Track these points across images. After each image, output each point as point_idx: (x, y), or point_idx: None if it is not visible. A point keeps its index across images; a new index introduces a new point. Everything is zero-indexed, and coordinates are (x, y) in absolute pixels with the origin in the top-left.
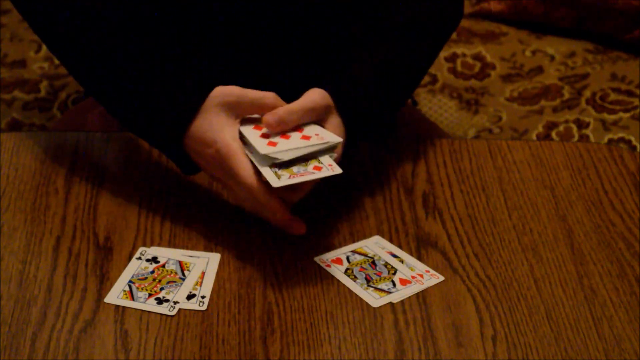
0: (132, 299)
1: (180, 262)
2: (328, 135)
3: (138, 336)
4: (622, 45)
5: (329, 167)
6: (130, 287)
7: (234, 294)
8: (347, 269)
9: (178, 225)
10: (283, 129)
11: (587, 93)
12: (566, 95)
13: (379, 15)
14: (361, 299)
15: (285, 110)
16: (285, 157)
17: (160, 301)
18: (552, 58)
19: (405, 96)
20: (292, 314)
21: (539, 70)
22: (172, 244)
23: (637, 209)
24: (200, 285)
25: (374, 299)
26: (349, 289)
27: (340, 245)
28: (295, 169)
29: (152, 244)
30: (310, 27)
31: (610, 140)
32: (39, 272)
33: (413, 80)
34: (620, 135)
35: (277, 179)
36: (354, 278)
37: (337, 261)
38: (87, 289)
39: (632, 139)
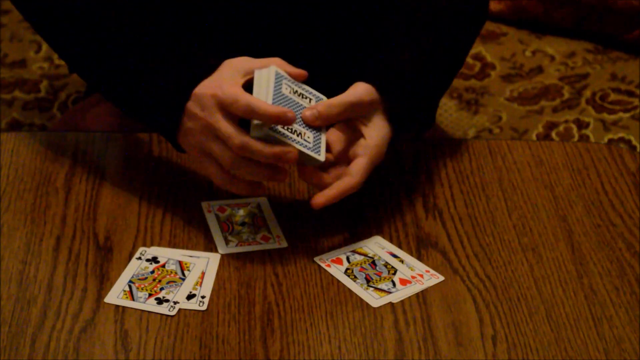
0: (132, 299)
1: (180, 262)
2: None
3: (138, 336)
4: (622, 45)
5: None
6: (130, 287)
7: (234, 294)
8: (347, 269)
9: (178, 225)
10: (323, 124)
11: (587, 93)
12: (566, 95)
13: (411, 3)
14: (361, 299)
15: (325, 104)
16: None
17: (160, 301)
18: (552, 58)
19: (446, 86)
20: (292, 314)
21: (539, 70)
22: (172, 244)
23: (637, 209)
24: (200, 285)
25: (374, 299)
26: (349, 289)
27: (340, 245)
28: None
29: (152, 244)
30: (322, 12)
31: (610, 140)
32: (39, 272)
33: (454, 68)
34: (620, 135)
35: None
36: (354, 278)
37: (337, 261)
38: (87, 289)
39: (632, 139)
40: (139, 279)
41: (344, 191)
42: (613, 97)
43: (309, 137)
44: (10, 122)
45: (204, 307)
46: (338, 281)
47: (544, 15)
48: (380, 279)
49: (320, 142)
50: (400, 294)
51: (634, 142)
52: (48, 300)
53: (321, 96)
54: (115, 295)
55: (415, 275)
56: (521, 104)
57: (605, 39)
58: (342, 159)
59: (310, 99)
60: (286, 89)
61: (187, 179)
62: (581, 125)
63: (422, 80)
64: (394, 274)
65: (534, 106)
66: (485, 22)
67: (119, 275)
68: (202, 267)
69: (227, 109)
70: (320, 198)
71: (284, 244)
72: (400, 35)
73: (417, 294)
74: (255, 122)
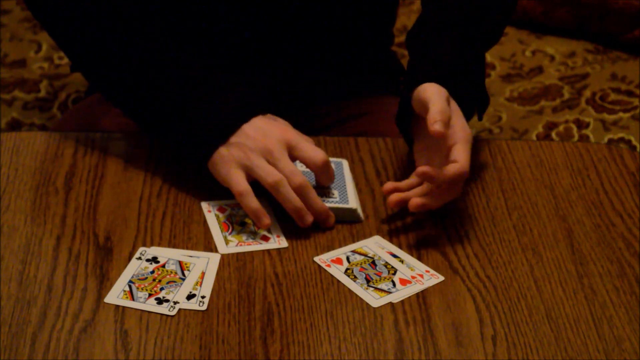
0: (132, 299)
1: (180, 262)
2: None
3: (138, 336)
4: (622, 45)
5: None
6: (130, 287)
7: (234, 294)
8: (347, 269)
9: (178, 225)
10: (447, 127)
11: (587, 93)
12: (566, 95)
13: None
14: (361, 299)
15: (438, 110)
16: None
17: (160, 301)
18: (552, 58)
19: (483, 65)
20: (292, 314)
21: (539, 70)
22: (172, 244)
23: (637, 209)
24: (200, 285)
25: (374, 299)
26: (349, 289)
27: (340, 245)
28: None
29: (152, 244)
30: (319, 14)
31: (610, 140)
32: (39, 272)
33: (491, 43)
34: (620, 135)
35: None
36: (354, 278)
37: (337, 261)
38: (87, 289)
39: (632, 139)
40: (139, 279)
41: (453, 176)
42: (613, 97)
43: (334, 194)
44: (10, 122)
45: (204, 307)
46: (338, 281)
47: (544, 15)
48: (380, 279)
49: (346, 195)
50: (400, 294)
51: (634, 142)
52: (48, 300)
53: (334, 160)
54: (115, 295)
55: (415, 275)
56: (521, 104)
57: (605, 39)
58: (443, 161)
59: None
60: (299, 167)
61: (187, 179)
62: (581, 125)
63: (470, 61)
64: (394, 274)
65: (534, 106)
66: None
67: (118, 275)
68: (202, 267)
69: (290, 150)
70: (431, 173)
71: (284, 244)
72: (438, 26)
73: (417, 294)
74: None
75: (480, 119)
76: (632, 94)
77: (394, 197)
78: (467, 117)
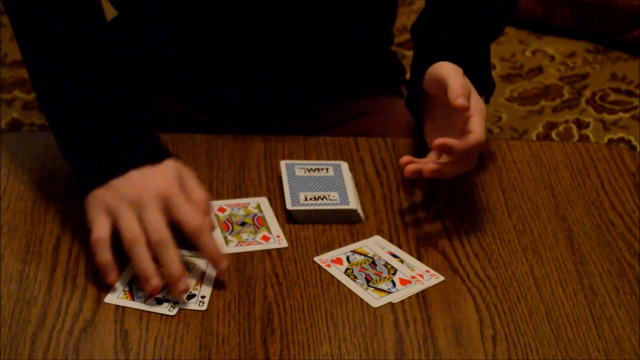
0: (132, 298)
1: None
2: (343, 199)
3: (138, 336)
4: (622, 45)
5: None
6: (130, 287)
7: (234, 294)
8: (347, 269)
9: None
10: (470, 102)
11: (587, 93)
12: (566, 95)
13: None
14: (361, 299)
15: (459, 85)
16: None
17: (160, 301)
18: (552, 58)
19: (488, 47)
20: (292, 314)
21: (539, 70)
22: None
23: (637, 209)
24: (200, 285)
25: (374, 299)
26: (349, 289)
27: (340, 245)
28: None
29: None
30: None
31: (610, 140)
32: (39, 272)
33: (498, 31)
34: (620, 135)
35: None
36: (354, 278)
37: (337, 261)
38: (87, 289)
39: (632, 139)
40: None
41: (471, 145)
42: (613, 97)
43: (334, 196)
44: (10, 122)
45: (204, 307)
46: (338, 281)
47: (544, 15)
48: (380, 279)
49: (346, 195)
50: (400, 294)
51: (634, 142)
52: (48, 300)
53: (333, 162)
54: (115, 296)
55: (415, 275)
56: (521, 104)
57: (605, 39)
58: (457, 137)
59: (326, 169)
60: (299, 171)
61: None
62: (581, 125)
63: (477, 46)
64: (394, 274)
65: (534, 106)
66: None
67: (118, 275)
68: (202, 267)
69: (167, 206)
70: (450, 144)
71: (284, 244)
72: (444, 14)
73: (417, 294)
74: (292, 207)
75: (487, 102)
76: (632, 94)
77: (411, 167)
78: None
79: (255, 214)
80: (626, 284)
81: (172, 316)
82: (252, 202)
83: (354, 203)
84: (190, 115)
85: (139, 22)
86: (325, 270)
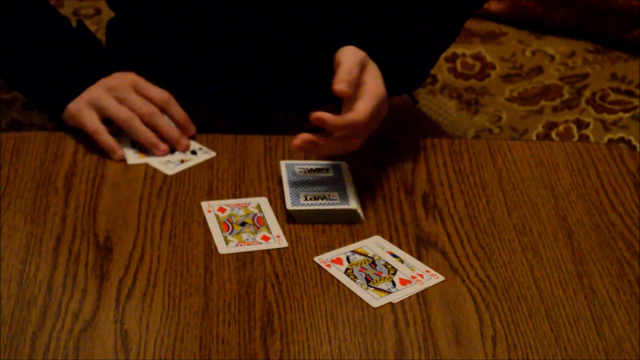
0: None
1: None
2: (343, 199)
3: (138, 336)
4: (622, 45)
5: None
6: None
7: (234, 294)
8: (347, 269)
9: (178, 225)
10: (354, 91)
11: (587, 93)
12: (566, 95)
13: None
14: (361, 299)
15: (344, 70)
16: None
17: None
18: (552, 58)
19: (437, 46)
20: (292, 314)
21: (539, 70)
22: (172, 244)
23: (637, 209)
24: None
25: (374, 299)
26: (349, 289)
27: (340, 245)
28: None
29: (152, 244)
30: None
31: (610, 140)
32: (39, 272)
33: (443, 34)
34: (620, 135)
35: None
36: (354, 278)
37: (337, 261)
38: (87, 289)
39: (632, 139)
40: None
41: (349, 124)
42: (613, 97)
43: (334, 196)
44: (10, 122)
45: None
46: (338, 281)
47: (544, 15)
48: (380, 279)
49: (346, 195)
50: (400, 294)
51: (634, 142)
52: (48, 300)
53: (333, 162)
54: (135, 158)
55: (415, 275)
56: (521, 104)
57: (605, 39)
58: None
59: (326, 169)
60: (299, 171)
61: (187, 179)
62: (581, 125)
63: (405, 31)
64: (394, 274)
65: (534, 106)
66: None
67: (119, 275)
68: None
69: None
70: (325, 117)
71: (284, 244)
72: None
73: (417, 294)
74: (292, 207)
75: (405, 92)
76: (632, 94)
77: (296, 141)
78: (396, 88)
79: (255, 214)
80: (626, 284)
81: (172, 313)
82: (252, 202)
83: (354, 203)
84: (190, 115)
85: (138, 23)
86: (325, 270)
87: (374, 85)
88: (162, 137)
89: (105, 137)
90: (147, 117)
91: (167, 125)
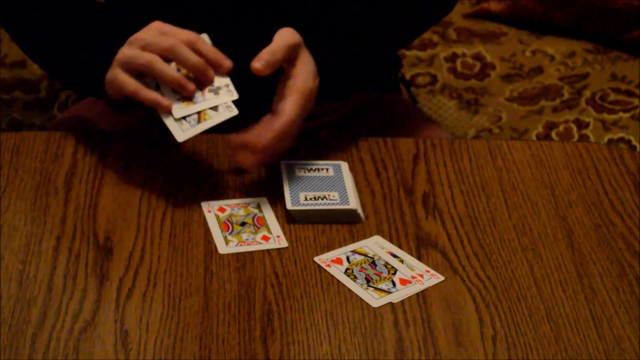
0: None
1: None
2: (343, 199)
3: (138, 336)
4: (622, 45)
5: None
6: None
7: (234, 294)
8: (347, 269)
9: (178, 225)
10: (271, 72)
11: (587, 93)
12: (566, 95)
13: None
14: (361, 299)
15: (269, 52)
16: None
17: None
18: (552, 58)
19: (373, 53)
20: (292, 314)
21: (539, 70)
22: (172, 244)
23: (637, 209)
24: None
25: (374, 299)
26: (349, 289)
27: (340, 245)
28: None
29: (152, 244)
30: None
31: (610, 140)
32: (39, 272)
33: (386, 34)
34: (620, 135)
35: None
36: (354, 278)
37: (337, 261)
38: (87, 289)
39: (632, 139)
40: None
41: (280, 130)
42: (613, 97)
43: (334, 196)
44: (10, 122)
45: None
46: (338, 281)
47: (544, 15)
48: (380, 279)
49: (347, 195)
50: (400, 294)
51: (634, 142)
52: (48, 300)
53: (333, 162)
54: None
55: (415, 275)
56: (521, 104)
57: (605, 39)
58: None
59: (326, 169)
60: (299, 171)
61: (187, 179)
62: (581, 125)
63: (345, 27)
64: (394, 274)
65: (534, 106)
66: (445, 14)
67: (119, 275)
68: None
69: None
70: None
71: (284, 244)
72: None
73: (417, 294)
74: (292, 207)
75: (346, 97)
76: (632, 94)
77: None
78: (332, 87)
79: (255, 214)
80: (626, 284)
81: (173, 312)
82: (252, 202)
83: (354, 203)
84: None
85: (138, 23)
86: (325, 270)
87: (302, 80)
88: (187, 68)
89: (145, 92)
90: (169, 51)
91: (190, 54)
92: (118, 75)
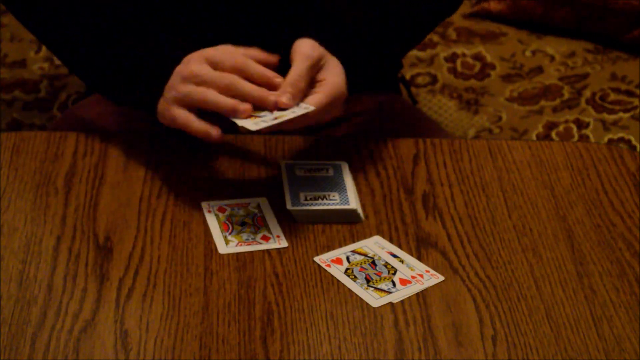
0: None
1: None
2: (343, 199)
3: (138, 336)
4: (622, 45)
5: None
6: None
7: (234, 294)
8: (347, 269)
9: (178, 225)
10: (298, 100)
11: (587, 93)
12: (566, 95)
13: None
14: (361, 299)
15: (291, 83)
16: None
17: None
18: (552, 58)
19: (398, 42)
20: (292, 314)
21: (539, 70)
22: (172, 244)
23: (637, 209)
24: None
25: (374, 299)
26: (349, 289)
27: (340, 245)
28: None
29: (152, 244)
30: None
31: (610, 140)
32: (39, 272)
33: (404, 38)
34: (620, 135)
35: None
36: (354, 278)
37: (337, 261)
38: (87, 289)
39: (632, 139)
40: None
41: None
42: (613, 97)
43: (335, 196)
44: (10, 122)
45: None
46: (338, 281)
47: (544, 15)
48: (380, 279)
49: (347, 196)
50: (400, 294)
51: (634, 142)
52: (48, 300)
53: (333, 162)
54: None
55: (415, 275)
56: (521, 104)
57: (605, 39)
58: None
59: (326, 169)
60: (299, 171)
61: (187, 179)
62: (581, 125)
63: (362, 25)
64: (394, 274)
65: (534, 106)
66: (455, 10)
67: (119, 275)
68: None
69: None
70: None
71: (284, 244)
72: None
73: (417, 294)
74: (292, 207)
75: (354, 89)
76: (632, 94)
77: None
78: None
79: (255, 214)
80: (626, 284)
81: (173, 311)
82: (252, 202)
83: (354, 203)
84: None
85: (138, 23)
86: (325, 270)
87: (331, 84)
88: (250, 100)
89: (195, 124)
90: (227, 88)
91: (249, 86)
92: (170, 110)
